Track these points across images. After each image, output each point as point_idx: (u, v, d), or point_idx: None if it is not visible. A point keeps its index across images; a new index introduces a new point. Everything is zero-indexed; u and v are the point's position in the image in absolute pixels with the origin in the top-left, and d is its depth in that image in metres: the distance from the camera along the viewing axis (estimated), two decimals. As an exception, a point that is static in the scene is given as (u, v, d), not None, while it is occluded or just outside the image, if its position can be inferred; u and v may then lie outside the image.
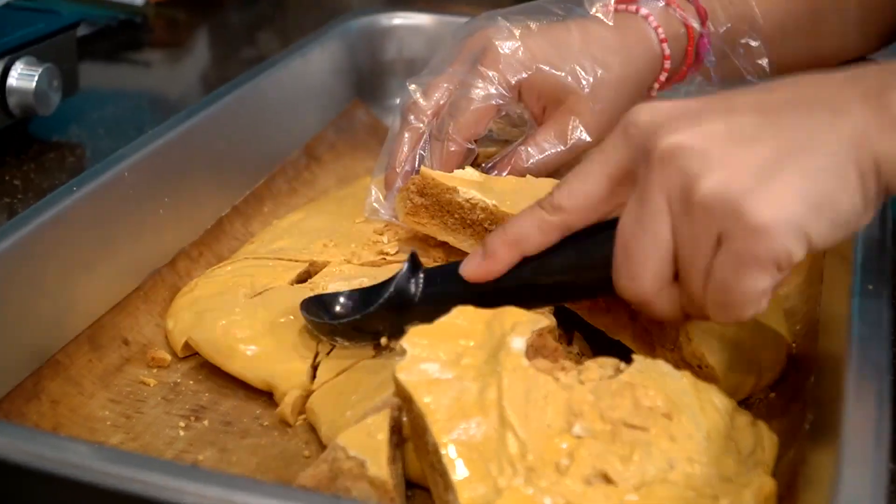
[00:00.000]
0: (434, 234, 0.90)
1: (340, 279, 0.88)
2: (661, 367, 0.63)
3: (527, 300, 0.69)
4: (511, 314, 0.65)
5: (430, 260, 0.91)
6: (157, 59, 1.55)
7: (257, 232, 1.03)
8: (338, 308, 0.79)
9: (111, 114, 1.28)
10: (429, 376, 0.60)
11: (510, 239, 0.68)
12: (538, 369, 0.61)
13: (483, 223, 0.85)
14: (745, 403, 0.74)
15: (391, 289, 0.74)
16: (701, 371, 0.73)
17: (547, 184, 0.90)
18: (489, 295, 0.69)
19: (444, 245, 0.91)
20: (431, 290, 0.74)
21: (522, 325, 0.64)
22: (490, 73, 0.88)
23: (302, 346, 0.80)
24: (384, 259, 0.92)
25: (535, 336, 0.63)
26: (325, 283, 0.88)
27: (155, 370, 0.82)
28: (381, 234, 0.96)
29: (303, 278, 0.91)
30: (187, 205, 0.96)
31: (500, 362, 0.60)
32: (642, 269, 0.61)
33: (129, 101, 1.34)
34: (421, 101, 0.93)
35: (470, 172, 0.90)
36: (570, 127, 0.89)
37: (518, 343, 0.62)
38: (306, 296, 0.85)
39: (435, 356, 0.61)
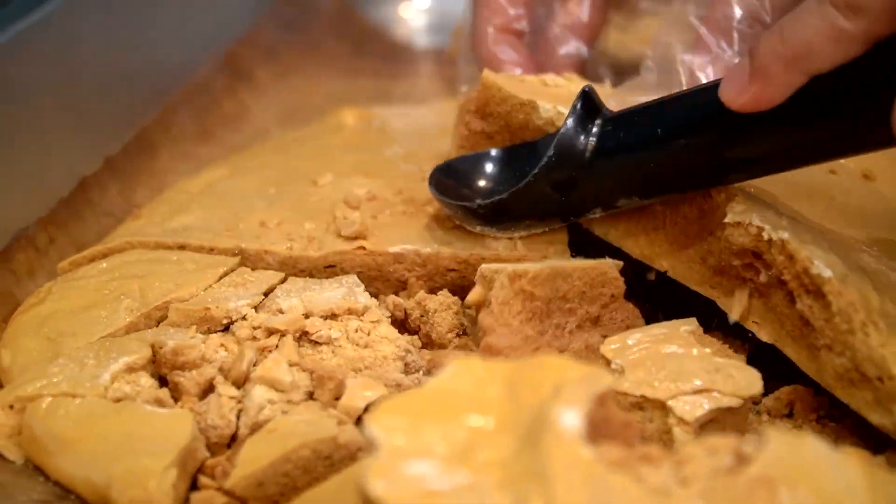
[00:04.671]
0: None
1: (287, 285, 0.85)
2: (811, 446, 0.59)
3: (798, 155, 0.73)
4: (547, 367, 0.62)
5: (450, 255, 0.88)
6: None
7: (146, 202, 0.99)
8: (480, 181, 0.84)
9: None
10: (422, 486, 0.55)
11: (791, 52, 0.69)
12: (609, 463, 0.57)
13: None
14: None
15: (551, 148, 0.77)
16: (882, 386, 0.72)
17: None
18: (736, 141, 0.73)
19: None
20: (627, 137, 0.77)
21: (571, 385, 0.59)
22: None
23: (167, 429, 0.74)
24: (363, 248, 0.89)
25: (594, 405, 0.59)
26: (258, 289, 0.85)
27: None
28: (356, 208, 0.93)
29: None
30: (29, 156, 0.92)
31: (544, 455, 0.56)
32: None
33: None
34: None
35: (559, 80, 0.91)
36: None
37: (570, 419, 0.57)
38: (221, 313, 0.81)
39: (426, 448, 0.57)
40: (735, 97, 0.71)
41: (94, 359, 0.78)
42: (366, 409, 0.75)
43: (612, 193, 0.77)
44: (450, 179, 0.84)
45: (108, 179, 0.99)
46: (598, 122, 0.77)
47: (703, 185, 0.79)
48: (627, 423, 0.62)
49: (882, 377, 0.72)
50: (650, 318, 0.82)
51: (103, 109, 1.01)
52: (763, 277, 0.79)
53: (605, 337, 0.80)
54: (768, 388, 0.79)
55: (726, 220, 0.78)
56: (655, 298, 0.87)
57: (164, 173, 1.03)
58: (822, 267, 0.74)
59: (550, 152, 0.77)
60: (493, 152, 0.84)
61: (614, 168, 0.76)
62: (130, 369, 0.77)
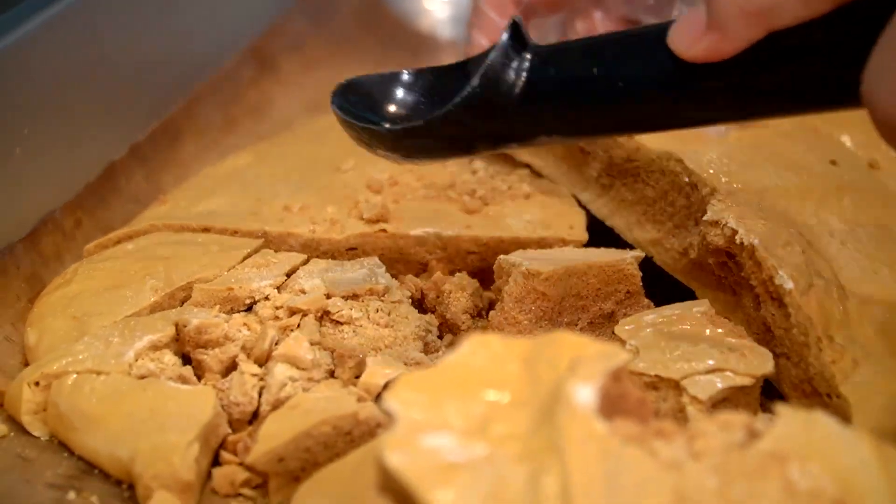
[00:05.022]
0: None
1: (309, 266, 0.85)
2: (823, 423, 0.58)
3: (743, 109, 0.69)
4: (563, 343, 0.61)
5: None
6: None
7: (171, 188, 0.99)
8: (390, 105, 0.77)
9: None
10: (439, 458, 0.55)
11: (755, 6, 0.66)
12: (623, 438, 0.56)
13: None
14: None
15: (475, 78, 0.71)
16: (830, 402, 0.73)
17: None
18: (680, 90, 0.68)
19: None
20: (550, 84, 0.72)
21: (587, 362, 0.59)
22: None
23: (192, 405, 0.74)
24: (384, 231, 0.89)
25: (609, 381, 0.59)
26: (280, 270, 0.85)
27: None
28: (378, 192, 0.93)
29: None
30: (57, 143, 0.92)
31: (560, 429, 0.56)
32: None
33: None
34: None
35: None
36: None
37: (585, 394, 0.57)
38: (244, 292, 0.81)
39: (444, 422, 0.56)
40: (687, 47, 0.68)
41: (119, 337, 0.78)
42: (385, 387, 0.74)
43: (534, 130, 0.73)
44: (355, 98, 0.78)
45: (135, 166, 0.99)
46: (527, 55, 0.72)
47: (635, 131, 0.77)
48: (642, 399, 0.60)
49: (831, 394, 0.73)
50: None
51: (131, 98, 1.00)
52: (735, 277, 0.79)
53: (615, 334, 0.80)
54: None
55: (704, 217, 0.79)
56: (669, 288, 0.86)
57: (190, 161, 1.03)
58: (785, 278, 0.74)
59: (475, 82, 0.71)
60: (405, 76, 0.79)
61: (541, 104, 0.72)
62: (154, 347, 0.77)
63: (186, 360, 0.79)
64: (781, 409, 0.58)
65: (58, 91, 0.93)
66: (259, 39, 1.14)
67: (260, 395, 0.76)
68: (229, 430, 0.75)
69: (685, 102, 0.69)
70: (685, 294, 0.81)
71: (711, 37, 0.67)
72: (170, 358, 0.78)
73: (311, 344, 0.77)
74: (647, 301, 0.83)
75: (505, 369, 0.60)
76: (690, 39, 0.68)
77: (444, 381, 0.59)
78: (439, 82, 0.77)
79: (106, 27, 0.98)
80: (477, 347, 0.61)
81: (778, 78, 0.67)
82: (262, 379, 0.76)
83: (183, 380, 0.76)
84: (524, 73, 0.72)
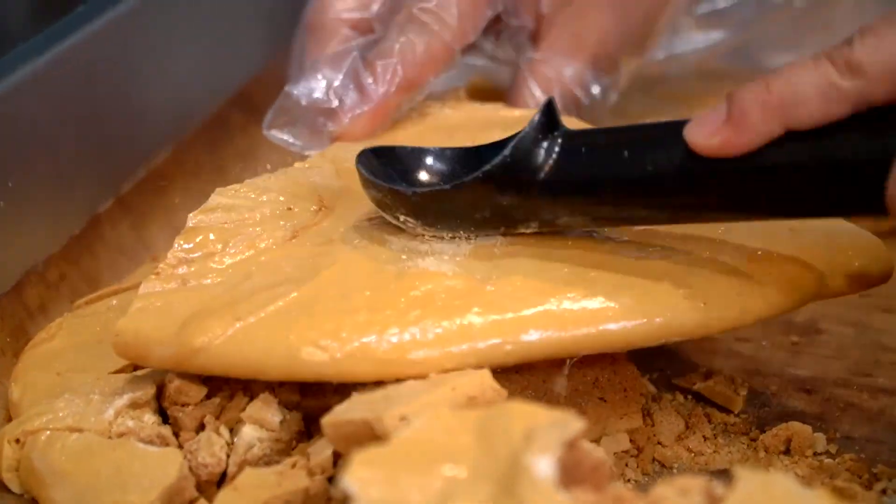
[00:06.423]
0: None
1: None
2: (781, 483, 0.58)
3: (761, 206, 0.69)
4: (514, 413, 0.60)
5: None
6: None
7: (157, 240, 0.99)
8: (420, 171, 0.79)
9: None
10: None
11: (776, 99, 0.65)
12: None
13: None
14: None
15: (508, 149, 0.72)
16: None
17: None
18: (699, 187, 0.69)
19: None
20: (580, 164, 0.73)
21: (542, 432, 0.58)
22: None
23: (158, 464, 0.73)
24: None
25: (566, 450, 0.58)
26: None
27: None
28: None
29: None
30: (41, 193, 0.92)
31: (523, 502, 0.55)
32: None
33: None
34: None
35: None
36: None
37: (544, 466, 0.56)
38: None
39: (403, 499, 0.56)
40: (704, 139, 0.67)
41: (100, 394, 0.77)
42: (335, 459, 0.73)
43: (559, 212, 0.73)
44: (382, 162, 0.79)
45: (121, 216, 0.99)
46: (558, 137, 0.73)
47: (661, 221, 0.76)
48: (597, 465, 0.60)
49: None
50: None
51: (117, 148, 1.00)
52: None
53: (601, 399, 0.80)
54: (767, 426, 0.80)
55: None
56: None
57: (177, 210, 1.02)
58: None
59: (507, 153, 0.72)
60: (437, 149, 0.80)
61: (569, 186, 0.73)
62: (135, 405, 0.76)
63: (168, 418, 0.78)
64: (739, 471, 0.57)
65: (43, 143, 0.93)
66: (246, 86, 1.15)
67: (228, 456, 0.74)
68: (196, 494, 0.73)
69: (705, 197, 0.70)
70: (666, 354, 0.80)
71: (729, 130, 0.66)
72: (149, 416, 0.76)
73: (287, 405, 0.76)
74: (632, 367, 0.81)
75: (459, 442, 0.60)
76: (708, 132, 0.67)
77: (400, 457, 0.59)
78: (466, 159, 0.78)
79: (91, 79, 0.98)
80: (430, 421, 0.61)
81: (797, 181, 0.67)
82: (229, 442, 0.75)
83: (162, 439, 0.75)
84: (554, 154, 0.73)
